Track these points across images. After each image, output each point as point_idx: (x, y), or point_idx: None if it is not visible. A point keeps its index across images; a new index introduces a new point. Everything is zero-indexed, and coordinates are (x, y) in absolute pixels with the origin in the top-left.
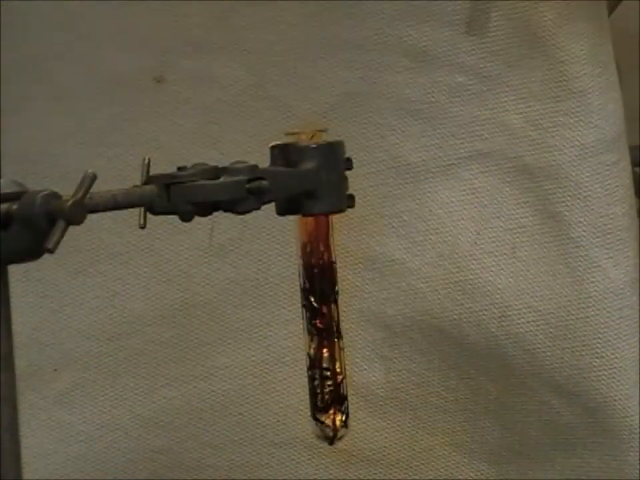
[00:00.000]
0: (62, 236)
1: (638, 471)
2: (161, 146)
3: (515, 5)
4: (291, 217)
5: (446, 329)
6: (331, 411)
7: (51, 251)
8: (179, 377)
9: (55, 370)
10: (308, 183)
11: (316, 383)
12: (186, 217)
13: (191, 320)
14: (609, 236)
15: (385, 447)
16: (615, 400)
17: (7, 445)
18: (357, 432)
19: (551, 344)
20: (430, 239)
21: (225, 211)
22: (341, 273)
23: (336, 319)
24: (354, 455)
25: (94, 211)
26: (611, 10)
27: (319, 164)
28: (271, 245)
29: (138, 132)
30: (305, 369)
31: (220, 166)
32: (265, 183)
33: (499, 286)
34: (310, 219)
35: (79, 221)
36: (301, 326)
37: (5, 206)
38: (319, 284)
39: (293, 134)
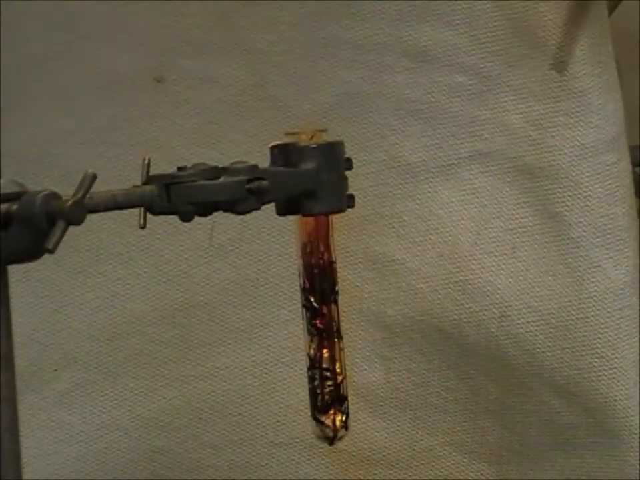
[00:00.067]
0: (62, 236)
1: (638, 471)
2: (161, 146)
3: (515, 5)
4: (291, 217)
5: (446, 329)
6: (331, 411)
7: (51, 251)
8: (179, 377)
9: (55, 370)
10: (308, 183)
11: (316, 383)
12: (186, 217)
13: (190, 320)
14: (608, 236)
15: (385, 447)
16: (615, 400)
17: (7, 445)
18: (357, 432)
19: (550, 344)
20: (430, 238)
21: (225, 211)
22: (341, 273)
23: (336, 319)
24: (354, 455)
25: (94, 211)
26: (611, 10)
27: (318, 164)
28: (271, 245)
29: (138, 132)
30: (305, 369)
31: (220, 166)
32: (264, 183)
33: (499, 286)
34: (310, 219)
35: (79, 221)
36: (301, 326)
37: (4, 206)
38: (319, 284)
39: (292, 134)
